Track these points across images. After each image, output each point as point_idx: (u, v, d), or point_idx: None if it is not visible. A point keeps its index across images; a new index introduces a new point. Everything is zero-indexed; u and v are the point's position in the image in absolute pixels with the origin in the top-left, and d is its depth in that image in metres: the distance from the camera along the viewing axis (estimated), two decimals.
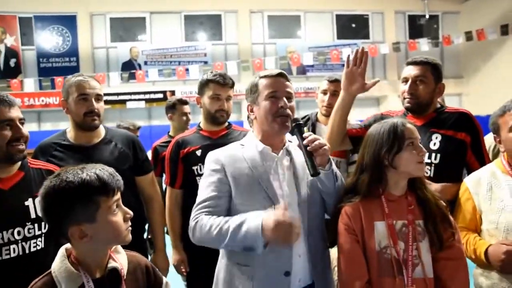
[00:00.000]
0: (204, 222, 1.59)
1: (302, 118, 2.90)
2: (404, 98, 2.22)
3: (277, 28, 15.00)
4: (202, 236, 1.59)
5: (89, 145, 2.21)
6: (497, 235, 1.72)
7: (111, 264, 1.27)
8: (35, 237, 1.59)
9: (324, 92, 2.95)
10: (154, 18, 14.42)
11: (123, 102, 13.12)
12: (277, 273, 1.56)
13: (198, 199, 1.68)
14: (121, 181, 1.28)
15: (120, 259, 1.31)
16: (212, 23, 14.84)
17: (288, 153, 1.76)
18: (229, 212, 1.66)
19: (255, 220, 1.47)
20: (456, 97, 14.26)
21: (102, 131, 2.30)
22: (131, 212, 1.29)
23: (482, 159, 2.06)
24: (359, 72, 2.18)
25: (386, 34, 15.11)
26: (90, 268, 1.25)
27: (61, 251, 1.28)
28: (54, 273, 1.23)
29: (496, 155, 2.70)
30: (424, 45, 12.69)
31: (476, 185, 1.84)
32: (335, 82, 2.89)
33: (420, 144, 1.56)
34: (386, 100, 14.50)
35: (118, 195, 1.27)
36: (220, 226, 1.54)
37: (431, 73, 2.17)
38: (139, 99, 13.41)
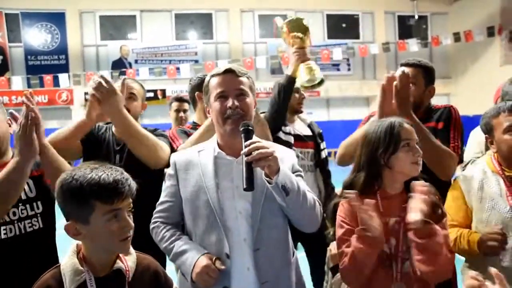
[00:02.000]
0: (158, 231, 1.63)
1: None
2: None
3: (268, 27, 15.04)
4: (157, 242, 1.64)
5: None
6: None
7: (117, 264, 1.27)
8: (29, 217, 1.65)
9: (296, 91, 2.77)
10: (145, 16, 14.36)
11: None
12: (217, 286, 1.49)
13: (157, 203, 1.68)
14: (130, 190, 1.24)
15: (129, 261, 1.31)
16: (203, 22, 14.82)
17: None
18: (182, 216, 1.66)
19: (192, 258, 1.49)
20: (444, 97, 14.45)
21: None
22: (132, 225, 1.24)
23: (446, 143, 2.05)
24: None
25: (376, 34, 15.26)
26: (95, 267, 1.25)
27: (72, 246, 1.30)
28: (62, 267, 1.25)
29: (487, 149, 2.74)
30: (413, 46, 12.85)
31: (468, 183, 1.86)
32: None
33: (416, 145, 1.58)
34: (376, 99, 14.54)
35: (121, 204, 1.22)
36: (167, 243, 1.59)
37: (422, 76, 2.18)
38: None
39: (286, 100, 2.53)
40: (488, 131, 1.86)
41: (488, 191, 1.81)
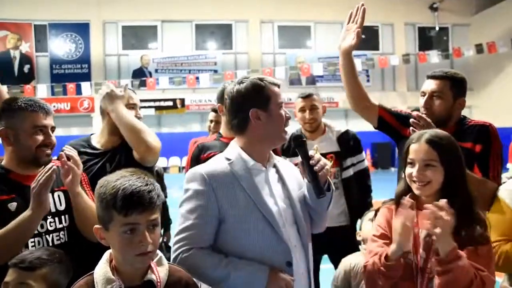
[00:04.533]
0: (196, 260, 1.45)
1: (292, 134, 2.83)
2: (422, 113, 2.14)
3: (287, 38, 15.11)
4: (195, 271, 1.45)
5: (113, 147, 2.22)
6: None
7: (149, 275, 1.26)
8: (57, 230, 1.65)
9: (303, 110, 2.91)
10: (166, 26, 14.63)
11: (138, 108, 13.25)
12: None
13: (181, 224, 1.50)
14: (152, 204, 1.21)
15: (161, 272, 1.29)
16: (223, 33, 15.00)
17: (274, 165, 1.66)
18: (216, 235, 1.53)
19: (262, 277, 1.43)
20: (467, 109, 14.13)
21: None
22: (149, 241, 1.21)
23: (485, 171, 2.03)
24: (354, 29, 2.22)
25: (396, 46, 15.15)
26: (126, 276, 1.25)
27: (106, 254, 1.29)
28: (95, 275, 1.26)
29: None
30: (434, 57, 12.71)
31: (511, 195, 1.79)
32: (308, 97, 2.80)
33: (423, 166, 1.57)
34: None
35: (139, 218, 1.19)
36: (218, 269, 1.44)
37: (449, 88, 2.09)
38: (149, 107, 13.55)
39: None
40: None
41: None
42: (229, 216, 1.50)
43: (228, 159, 1.58)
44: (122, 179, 1.22)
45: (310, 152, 1.55)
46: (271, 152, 1.66)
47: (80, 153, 1.88)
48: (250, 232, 1.49)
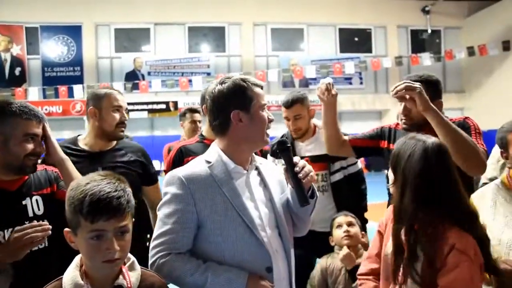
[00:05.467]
0: (174, 266, 1.40)
1: (281, 137, 2.79)
2: (401, 119, 2.16)
3: (280, 41, 15.12)
4: (173, 277, 1.41)
5: (100, 151, 2.28)
6: (499, 251, 1.69)
7: (119, 280, 1.23)
8: None
9: (287, 119, 2.75)
10: (158, 29, 14.58)
11: (126, 112, 13.16)
12: None
13: (159, 228, 1.46)
14: (121, 210, 1.18)
15: (132, 277, 1.26)
16: (216, 35, 14.98)
17: (256, 168, 1.62)
18: (195, 240, 1.49)
19: (241, 283, 1.39)
20: (458, 111, 14.28)
21: (114, 141, 2.37)
22: (116, 249, 1.18)
23: None
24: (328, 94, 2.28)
25: (388, 48, 15.22)
26: (96, 281, 1.22)
27: (76, 259, 1.28)
28: (63, 279, 1.23)
29: (502, 168, 2.67)
30: (426, 60, 12.78)
31: (480, 200, 1.81)
32: (291, 107, 2.69)
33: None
34: (388, 114, 14.52)
35: (107, 225, 1.16)
36: (196, 274, 1.40)
37: (425, 91, 2.01)
38: (141, 109, 13.48)
39: None
40: (503, 145, 1.82)
41: (501, 208, 1.74)
42: (208, 220, 1.46)
43: (208, 162, 1.54)
44: (92, 183, 1.18)
45: (295, 159, 1.51)
46: (254, 154, 1.63)
47: (66, 154, 1.86)
48: (229, 237, 1.46)
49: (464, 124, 2.06)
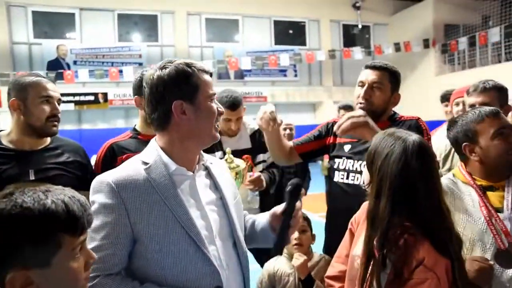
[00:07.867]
0: None
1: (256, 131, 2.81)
2: (358, 103, 2.06)
3: (214, 32, 14.85)
4: None
5: (31, 150, 1.96)
6: (462, 247, 1.66)
7: None
8: None
9: (228, 120, 2.68)
10: (85, 15, 13.60)
11: (58, 103, 12.18)
12: None
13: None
14: (92, 215, 1.02)
15: None
16: (148, 24, 14.33)
17: (206, 168, 1.41)
18: (130, 257, 1.25)
19: None
20: None
21: (48, 138, 2.05)
22: (95, 256, 1.02)
23: None
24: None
25: (322, 42, 15.57)
26: None
27: None
28: None
29: (445, 161, 2.73)
30: (357, 54, 13.21)
31: None
32: (236, 109, 2.66)
33: None
34: (322, 106, 14.90)
35: (86, 234, 0.98)
36: None
37: (389, 81, 2.04)
38: (67, 101, 12.52)
39: None
40: (470, 138, 1.69)
41: (459, 203, 1.68)
42: (144, 234, 1.22)
43: (145, 163, 1.30)
44: (51, 195, 0.94)
45: (298, 204, 1.37)
46: (202, 152, 1.40)
47: None
48: (170, 252, 1.23)
49: (419, 127, 2.02)
